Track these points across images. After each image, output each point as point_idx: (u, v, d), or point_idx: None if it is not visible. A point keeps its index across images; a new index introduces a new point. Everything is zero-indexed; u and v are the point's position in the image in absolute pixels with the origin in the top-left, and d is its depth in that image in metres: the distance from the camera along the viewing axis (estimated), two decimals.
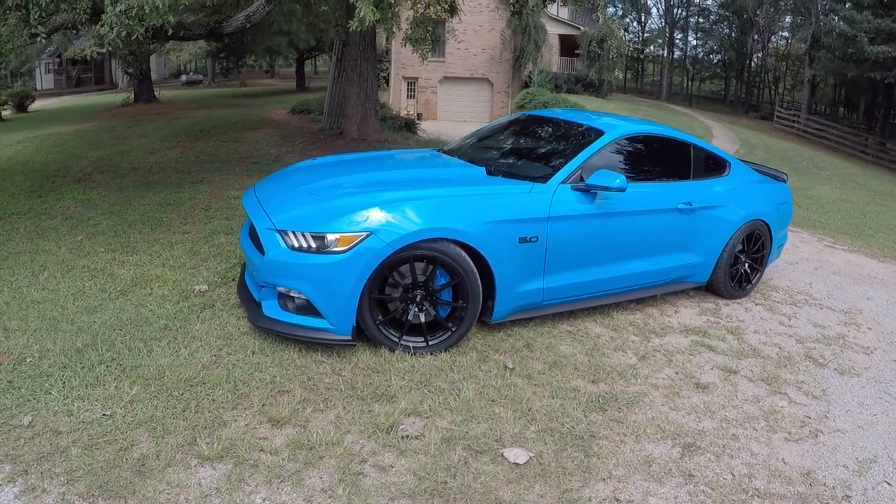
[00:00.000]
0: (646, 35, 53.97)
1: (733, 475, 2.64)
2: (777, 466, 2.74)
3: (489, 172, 3.86)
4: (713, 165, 4.59)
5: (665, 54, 48.41)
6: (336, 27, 9.16)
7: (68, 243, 4.97)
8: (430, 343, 3.35)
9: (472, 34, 25.69)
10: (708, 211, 4.31)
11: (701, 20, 50.15)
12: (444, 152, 4.64)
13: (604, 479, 2.53)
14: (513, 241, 3.43)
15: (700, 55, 53.35)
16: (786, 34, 47.54)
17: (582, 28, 28.46)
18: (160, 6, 4.60)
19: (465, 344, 3.51)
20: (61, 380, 2.87)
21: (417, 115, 24.81)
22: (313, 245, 3.14)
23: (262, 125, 12.58)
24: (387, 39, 24.49)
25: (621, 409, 3.03)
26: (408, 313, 3.31)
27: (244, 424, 2.65)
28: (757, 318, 4.42)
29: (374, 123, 9.87)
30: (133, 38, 4.77)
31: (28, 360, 3.05)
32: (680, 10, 48.45)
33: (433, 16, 7.73)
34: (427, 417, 2.80)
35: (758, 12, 39.56)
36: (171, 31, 6.19)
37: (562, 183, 3.67)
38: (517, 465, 2.55)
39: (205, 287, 4.05)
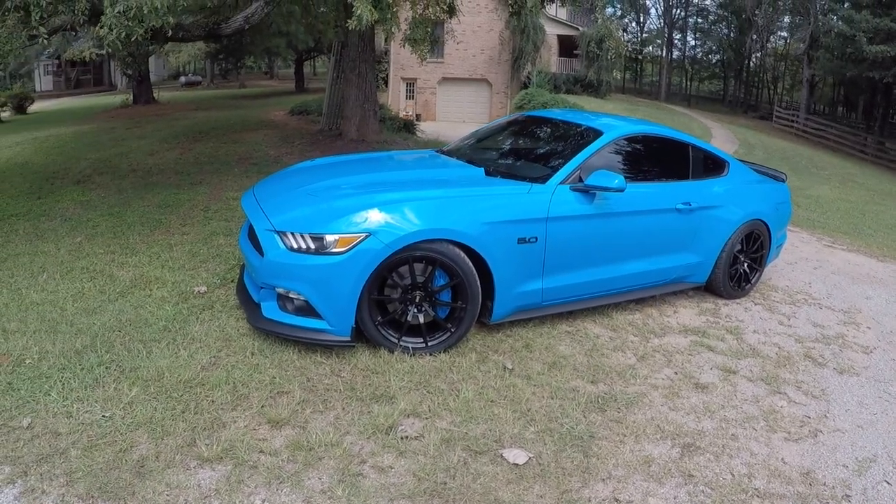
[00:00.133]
0: (644, 35, 54.06)
1: (733, 475, 2.64)
2: (777, 466, 2.74)
3: (488, 173, 3.86)
4: (712, 165, 4.60)
5: (664, 54, 48.44)
6: (335, 28, 9.17)
7: (67, 245, 4.97)
8: (430, 344, 3.35)
9: (471, 35, 25.69)
10: (707, 211, 4.31)
11: (699, 20, 50.24)
12: (443, 153, 4.64)
13: (603, 480, 2.53)
14: (512, 242, 3.43)
15: (699, 55, 53.42)
16: (784, 34, 47.62)
17: (580, 28, 28.48)
18: (159, 7, 4.60)
19: (464, 345, 3.51)
20: (60, 381, 2.87)
21: (416, 115, 24.82)
22: (312, 246, 3.14)
23: (260, 126, 12.59)
24: (386, 40, 24.53)
25: (620, 410, 3.03)
26: (407, 314, 3.30)
27: (243, 426, 2.65)
28: (756, 317, 4.42)
29: (372, 124, 9.87)
30: (132, 39, 4.76)
31: (27, 361, 3.05)
32: (678, 11, 48.51)
33: (432, 16, 7.74)
34: (426, 418, 2.80)
35: (756, 12, 39.61)
36: (170, 33, 6.19)
37: (560, 183, 3.67)
38: (516, 465, 2.55)
39: (204, 288, 4.05)
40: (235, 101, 23.80)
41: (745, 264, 4.71)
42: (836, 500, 2.56)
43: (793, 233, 7.05)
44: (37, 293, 3.93)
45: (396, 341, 3.30)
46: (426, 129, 16.83)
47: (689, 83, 55.90)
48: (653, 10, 56.48)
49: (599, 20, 29.43)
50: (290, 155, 9.04)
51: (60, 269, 4.37)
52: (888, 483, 2.70)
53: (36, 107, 24.25)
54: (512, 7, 9.22)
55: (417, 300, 3.30)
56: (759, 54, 47.21)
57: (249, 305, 3.50)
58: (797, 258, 6.10)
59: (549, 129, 4.64)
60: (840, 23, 26.55)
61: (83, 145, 11.07)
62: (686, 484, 2.56)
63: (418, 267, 3.26)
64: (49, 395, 2.77)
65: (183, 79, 38.18)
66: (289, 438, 2.60)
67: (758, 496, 2.53)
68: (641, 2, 51.09)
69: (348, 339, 3.19)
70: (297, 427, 2.69)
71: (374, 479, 2.41)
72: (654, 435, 2.86)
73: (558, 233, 3.59)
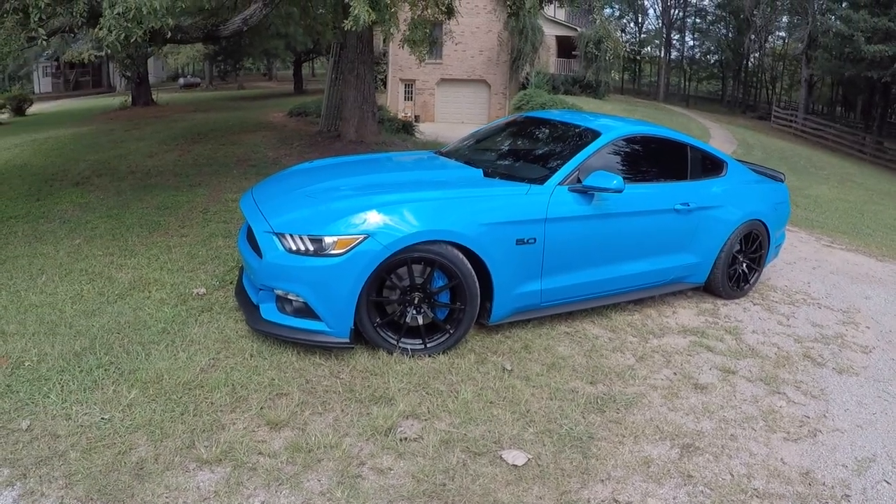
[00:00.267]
0: (643, 36, 54.09)
1: (732, 475, 2.64)
2: (776, 466, 2.74)
3: (486, 174, 3.86)
4: (710, 166, 4.60)
5: (662, 55, 48.52)
6: (333, 30, 9.17)
7: (66, 247, 4.97)
8: (429, 345, 3.35)
9: (470, 36, 25.70)
10: (705, 211, 4.32)
11: (698, 21, 50.32)
12: (442, 154, 4.65)
13: (602, 481, 2.53)
14: (510, 243, 3.43)
15: (697, 56, 53.50)
16: (782, 34, 47.67)
17: (579, 29, 28.48)
18: (158, 8, 4.60)
19: (463, 346, 3.51)
20: (60, 383, 2.87)
21: (415, 117, 24.81)
22: (311, 248, 3.14)
23: (259, 128, 12.58)
24: (384, 41, 24.54)
25: (620, 410, 3.03)
26: (406, 316, 3.30)
27: (242, 427, 2.65)
28: (755, 317, 4.43)
29: (371, 126, 9.87)
30: (131, 40, 4.76)
31: (26, 363, 3.04)
32: (677, 11, 48.58)
33: (431, 17, 7.75)
34: (425, 420, 2.80)
35: (754, 12, 39.67)
36: (168, 34, 6.18)
37: (559, 184, 3.67)
38: (516, 466, 2.54)
39: (203, 290, 4.05)
40: (234, 102, 23.80)
41: (744, 264, 4.71)
42: (836, 500, 2.56)
43: (791, 232, 7.06)
44: (36, 295, 3.93)
45: (395, 343, 3.30)
46: (425, 130, 16.84)
47: (687, 83, 55.97)
48: (651, 11, 56.80)
49: (598, 21, 29.41)
50: (289, 156, 9.04)
51: (59, 271, 4.37)
52: (887, 483, 2.70)
53: (35, 108, 24.24)
54: (510, 8, 9.22)
55: (416, 302, 3.30)
56: (757, 54, 47.29)
57: (248, 307, 3.49)
58: (796, 258, 6.11)
59: (547, 130, 4.64)
60: (838, 22, 26.58)
61: (82, 147, 11.07)
62: (685, 484, 2.56)
63: (417, 268, 3.26)
64: (48, 397, 2.77)
65: (181, 80, 38.18)
66: (288, 440, 2.60)
67: (757, 496, 2.53)
68: (639, 2, 51.18)
69: (347, 340, 3.19)
70: (297, 429, 2.69)
71: (373, 480, 2.41)
72: (653, 435, 2.86)
73: (557, 234, 3.59)
